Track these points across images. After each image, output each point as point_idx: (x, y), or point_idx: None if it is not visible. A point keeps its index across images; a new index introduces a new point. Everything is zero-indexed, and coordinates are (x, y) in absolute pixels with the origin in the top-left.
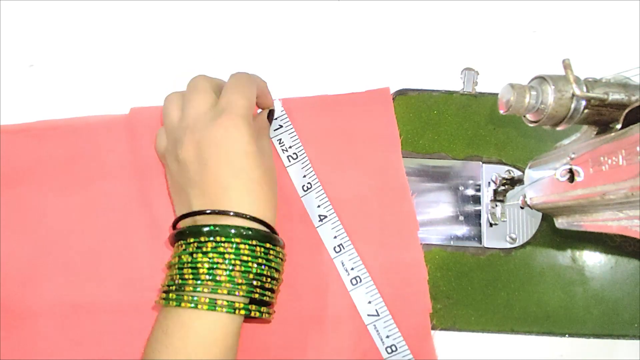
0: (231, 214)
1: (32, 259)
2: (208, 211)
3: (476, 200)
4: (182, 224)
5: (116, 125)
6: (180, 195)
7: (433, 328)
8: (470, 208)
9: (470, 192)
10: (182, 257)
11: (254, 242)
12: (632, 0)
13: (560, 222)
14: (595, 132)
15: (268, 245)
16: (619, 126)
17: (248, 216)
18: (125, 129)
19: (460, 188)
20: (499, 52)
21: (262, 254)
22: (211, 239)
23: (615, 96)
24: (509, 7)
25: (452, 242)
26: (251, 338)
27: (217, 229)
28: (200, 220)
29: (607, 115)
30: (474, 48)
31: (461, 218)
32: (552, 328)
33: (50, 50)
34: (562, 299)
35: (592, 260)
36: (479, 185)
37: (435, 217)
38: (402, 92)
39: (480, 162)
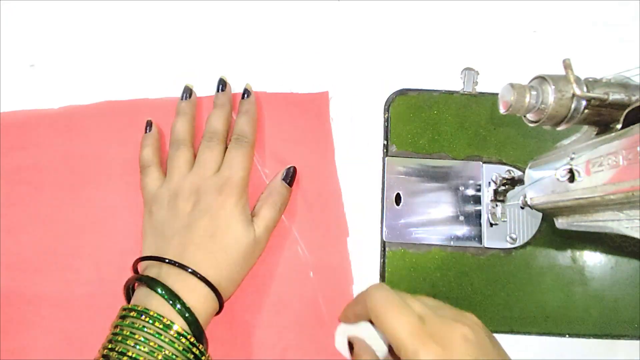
0: (189, 270)
1: (33, 255)
2: (167, 260)
3: (476, 200)
4: (144, 265)
5: (44, 118)
6: (157, 237)
7: None
8: (471, 208)
9: (470, 192)
10: (124, 328)
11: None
12: (632, 0)
13: (561, 222)
14: (595, 132)
15: (198, 351)
16: (619, 126)
17: (204, 279)
18: (54, 123)
19: (460, 188)
20: (499, 52)
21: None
22: (149, 322)
23: (615, 96)
24: (509, 7)
25: (452, 242)
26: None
27: (167, 297)
28: (159, 271)
29: (607, 115)
30: (474, 48)
31: (461, 218)
32: (552, 328)
33: (51, 50)
34: (562, 299)
35: (592, 260)
36: (479, 185)
37: (435, 217)
38: (402, 92)
39: (481, 162)
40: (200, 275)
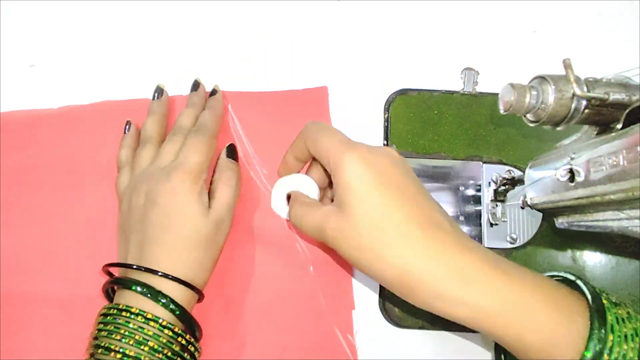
0: (159, 274)
1: (32, 255)
2: (135, 266)
3: (476, 200)
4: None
5: (45, 118)
6: (123, 239)
7: (434, 328)
8: (471, 208)
9: (470, 192)
10: (108, 324)
11: (172, 333)
12: (632, 0)
13: (561, 222)
14: (595, 132)
15: (184, 340)
16: (619, 126)
17: (175, 278)
18: (54, 122)
19: (460, 188)
20: (499, 52)
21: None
22: (132, 317)
23: (615, 96)
24: (509, 7)
25: None
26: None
27: (147, 293)
28: (130, 274)
29: (607, 115)
30: (474, 48)
31: (462, 218)
32: None
33: (51, 50)
34: None
35: (593, 260)
36: (480, 186)
37: None
38: (402, 92)
39: (481, 162)
40: (170, 276)
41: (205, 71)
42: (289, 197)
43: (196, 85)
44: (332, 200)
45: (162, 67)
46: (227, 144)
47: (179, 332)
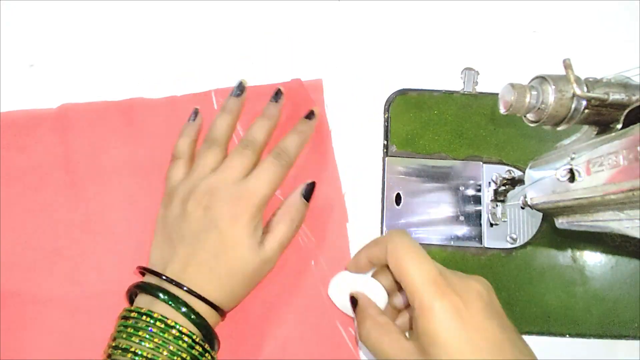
0: (185, 289)
1: (32, 255)
2: (174, 282)
3: (477, 200)
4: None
5: (45, 118)
6: (167, 244)
7: None
8: (471, 208)
9: (470, 192)
10: (128, 327)
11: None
12: (632, 0)
13: (561, 222)
14: (595, 132)
15: (201, 349)
16: (619, 126)
17: (205, 299)
18: (53, 122)
19: (460, 188)
20: (499, 52)
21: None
22: (152, 322)
23: (615, 96)
24: (509, 7)
25: (452, 243)
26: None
27: (170, 301)
28: (160, 281)
29: (607, 115)
30: (474, 48)
31: (462, 218)
32: (552, 328)
33: (50, 50)
34: (563, 299)
35: (593, 260)
36: (480, 186)
37: (435, 217)
38: (402, 92)
39: (481, 162)
40: (197, 294)
41: (205, 71)
42: (352, 297)
43: (279, 94)
44: (400, 308)
45: (161, 67)
46: (307, 182)
47: (198, 341)
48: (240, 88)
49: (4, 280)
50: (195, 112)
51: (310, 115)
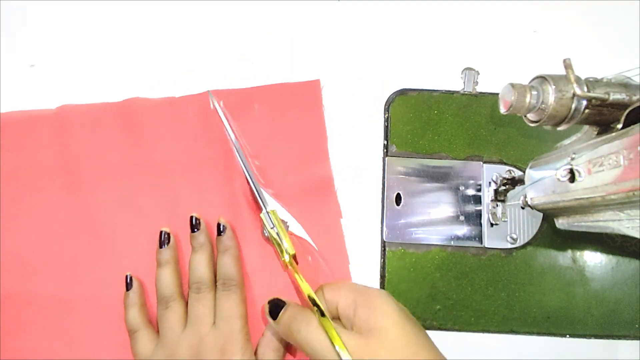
0: None
1: (32, 255)
2: None
3: (477, 200)
4: None
5: (42, 119)
6: None
7: (433, 328)
8: (471, 208)
9: (470, 192)
10: None
11: None
12: (632, 0)
13: (561, 223)
14: (596, 132)
15: None
16: (620, 126)
17: None
18: (50, 123)
19: (460, 188)
20: (499, 52)
21: None
22: None
23: (616, 96)
24: (509, 7)
25: (452, 242)
26: None
27: None
28: None
29: (608, 115)
30: (474, 48)
31: (462, 218)
32: (552, 328)
33: (51, 50)
34: (563, 299)
35: (593, 260)
36: (480, 185)
37: (435, 217)
38: (402, 92)
39: (481, 162)
40: None
41: (205, 71)
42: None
43: (197, 223)
44: None
45: (161, 67)
46: (269, 300)
47: None
48: (165, 237)
49: (4, 280)
50: (129, 280)
51: (219, 231)
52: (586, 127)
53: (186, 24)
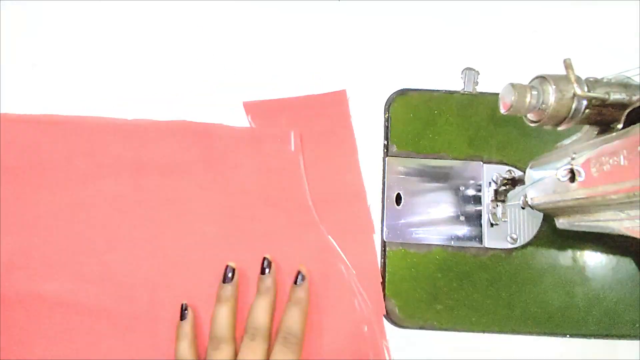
0: None
1: (11, 245)
2: None
3: (477, 200)
4: None
5: (118, 127)
6: None
7: (434, 328)
8: (471, 208)
9: (471, 192)
10: None
11: None
12: (632, 0)
13: (561, 223)
14: (596, 132)
15: None
16: (620, 126)
17: None
18: (127, 131)
19: (461, 188)
20: (499, 52)
21: None
22: None
23: (616, 96)
24: (509, 7)
25: (453, 243)
26: None
27: None
28: None
29: (608, 115)
30: (474, 48)
31: (462, 218)
32: (553, 328)
33: (52, 50)
34: (563, 299)
35: (593, 260)
36: (480, 186)
37: (436, 217)
38: (402, 92)
39: (481, 162)
40: None
41: (205, 71)
42: None
43: (268, 265)
44: None
45: (162, 67)
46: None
47: None
48: (230, 272)
49: (4, 281)
50: (184, 308)
51: (297, 279)
52: (586, 127)
53: (187, 25)
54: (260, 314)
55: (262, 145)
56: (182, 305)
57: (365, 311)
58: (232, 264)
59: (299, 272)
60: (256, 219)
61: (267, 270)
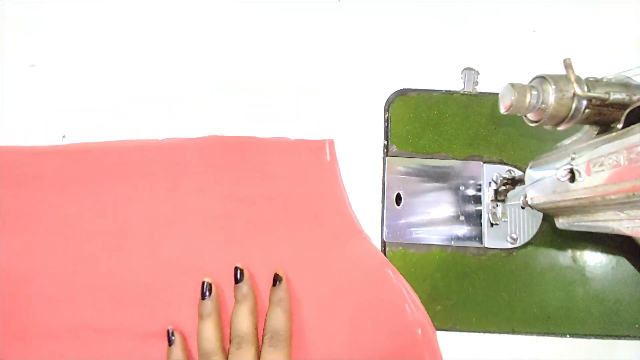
0: None
1: (55, 277)
2: None
3: (477, 200)
4: None
5: (150, 148)
6: None
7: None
8: (471, 208)
9: (471, 192)
10: None
11: None
12: (632, 0)
13: (561, 222)
14: (596, 132)
15: None
16: (620, 126)
17: None
18: (160, 151)
19: (461, 188)
20: (499, 52)
21: None
22: None
23: (616, 96)
24: (509, 7)
25: (452, 243)
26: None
27: None
28: None
29: (608, 115)
30: (474, 48)
31: (462, 218)
32: (552, 328)
33: (51, 50)
34: (563, 299)
35: (593, 260)
36: (480, 185)
37: (435, 217)
38: (402, 92)
39: (481, 162)
40: None
41: (205, 71)
42: None
43: (241, 274)
44: None
45: (162, 67)
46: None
47: None
48: (207, 287)
49: (24, 300)
50: (170, 333)
51: (275, 281)
52: (586, 127)
53: (187, 25)
54: (242, 320)
55: (298, 156)
56: (167, 331)
57: (416, 314)
58: (207, 279)
59: (276, 274)
60: (297, 230)
61: (240, 280)
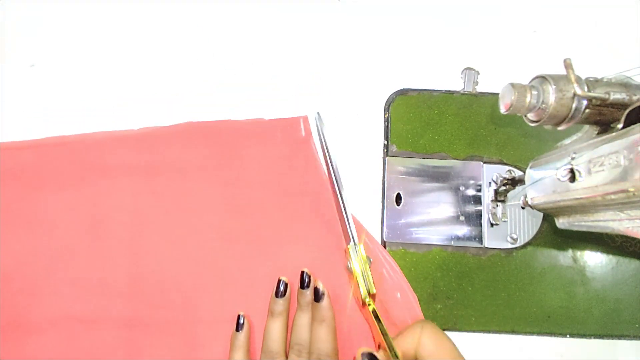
0: None
1: (38, 271)
2: None
3: (477, 200)
4: None
5: (125, 138)
6: None
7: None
8: (471, 208)
9: (471, 192)
10: None
11: None
12: (632, 0)
13: (562, 222)
14: (596, 132)
15: None
16: (620, 126)
17: None
18: (135, 141)
19: (461, 188)
20: (499, 52)
21: None
22: None
23: (616, 96)
24: (509, 7)
25: (452, 243)
26: None
27: None
28: None
29: (608, 115)
30: (474, 48)
31: (462, 218)
32: (553, 328)
33: (51, 50)
34: (563, 299)
35: (593, 260)
36: (480, 186)
37: (436, 217)
38: (402, 92)
39: (481, 162)
40: None
41: (205, 71)
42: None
43: (308, 280)
44: None
45: (161, 67)
46: (362, 352)
47: None
48: (283, 285)
49: (10, 292)
50: (241, 319)
51: (317, 297)
52: (586, 127)
53: (186, 25)
54: (304, 331)
55: (272, 135)
56: (238, 316)
57: (395, 278)
58: (284, 278)
59: (316, 289)
60: (278, 209)
61: (306, 286)
